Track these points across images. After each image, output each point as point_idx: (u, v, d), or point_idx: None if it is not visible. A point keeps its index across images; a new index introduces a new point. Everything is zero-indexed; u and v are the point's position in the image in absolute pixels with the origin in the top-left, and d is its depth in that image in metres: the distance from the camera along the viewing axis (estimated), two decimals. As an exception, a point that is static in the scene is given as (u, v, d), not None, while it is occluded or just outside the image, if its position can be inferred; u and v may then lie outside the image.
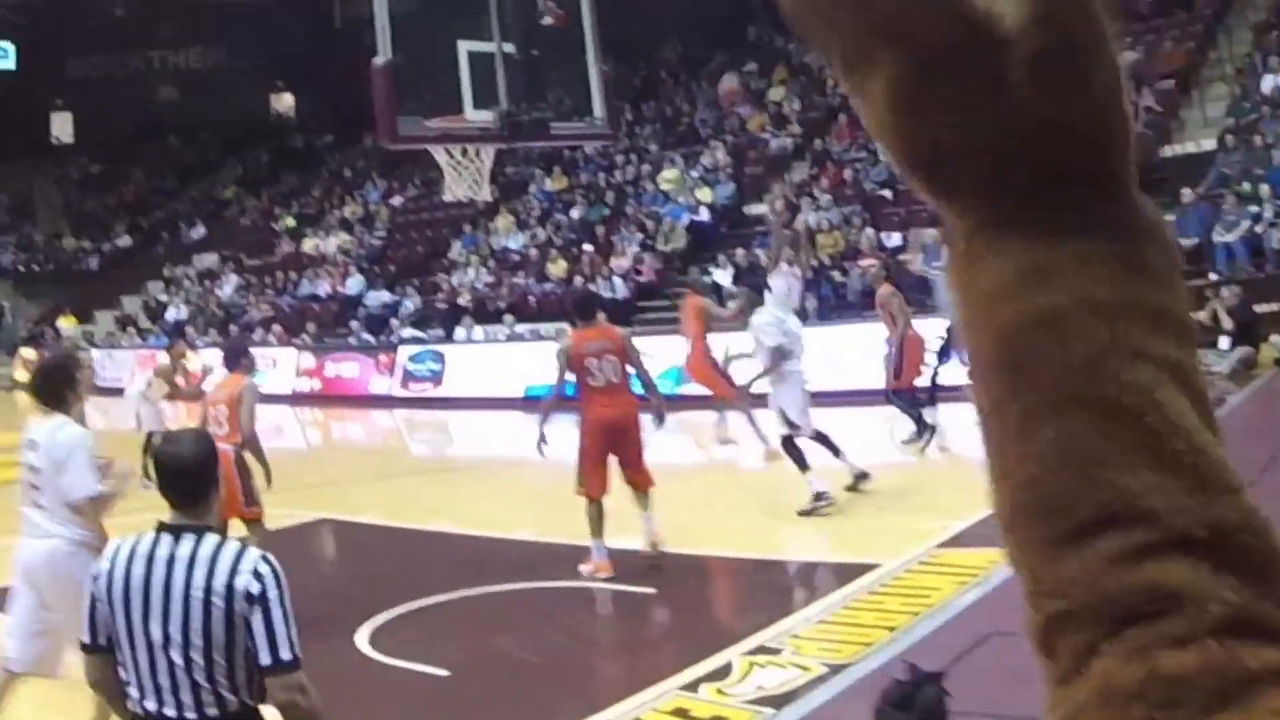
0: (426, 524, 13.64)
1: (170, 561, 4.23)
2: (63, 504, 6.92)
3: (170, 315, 39.38)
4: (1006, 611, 8.66)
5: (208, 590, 4.16)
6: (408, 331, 30.95)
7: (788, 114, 33.76)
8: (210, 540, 4.29)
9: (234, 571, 4.18)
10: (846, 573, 10.09)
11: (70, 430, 7.06)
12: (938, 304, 19.91)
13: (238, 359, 11.12)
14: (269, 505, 10.49)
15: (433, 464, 21.45)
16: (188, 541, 4.26)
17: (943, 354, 18.82)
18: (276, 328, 33.63)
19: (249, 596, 4.15)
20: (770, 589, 10.70)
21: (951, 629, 8.11)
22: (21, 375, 40.32)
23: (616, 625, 10.22)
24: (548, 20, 11.84)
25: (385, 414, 27.75)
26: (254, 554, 4.29)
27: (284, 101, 55.31)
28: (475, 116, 11.53)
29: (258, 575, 4.18)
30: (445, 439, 25.04)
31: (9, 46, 53.42)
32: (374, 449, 24.08)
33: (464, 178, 11.71)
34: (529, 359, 26.59)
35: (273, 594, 4.18)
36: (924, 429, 16.01)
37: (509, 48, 11.57)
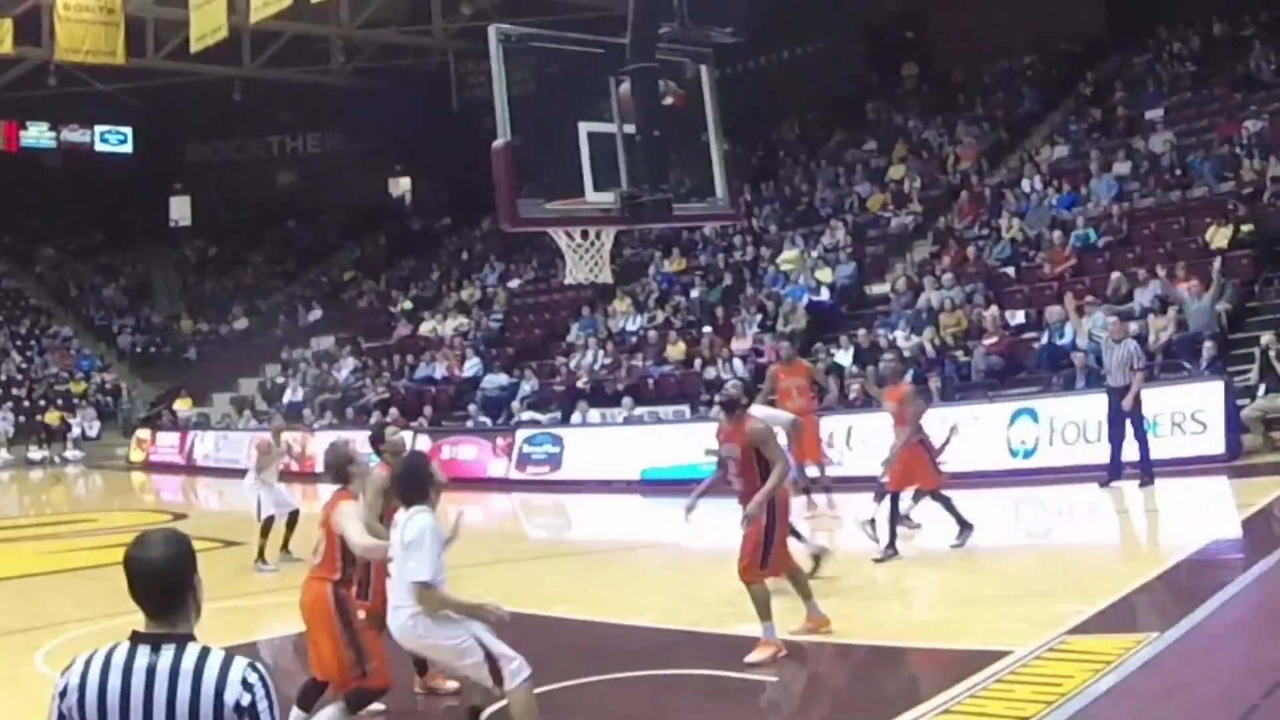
0: (544, 610, 13.58)
1: (150, 673, 3.98)
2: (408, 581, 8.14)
3: (287, 397, 39.87)
4: (1140, 700, 8.52)
5: (194, 704, 3.95)
6: (526, 414, 31.06)
7: (908, 192, 33.72)
8: (193, 650, 4.04)
9: (222, 683, 3.97)
10: (974, 660, 9.89)
11: (419, 519, 8.19)
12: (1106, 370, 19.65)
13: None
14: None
15: (550, 548, 21.46)
16: (168, 652, 4.01)
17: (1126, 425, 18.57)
18: (394, 410, 33.97)
19: (238, 708, 3.96)
20: (895, 677, 10.58)
21: (1083, 719, 7.98)
22: (138, 455, 41.09)
23: (738, 715, 10.10)
24: (668, 100, 11.89)
25: (502, 497, 27.79)
26: (241, 663, 4.05)
27: (402, 185, 56.25)
28: (596, 198, 11.56)
29: (247, 685, 3.99)
30: (563, 523, 25.04)
31: (128, 131, 54.75)
32: (490, 533, 24.10)
33: (584, 261, 11.76)
34: (647, 442, 26.65)
35: (262, 705, 4.00)
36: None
37: (630, 128, 11.62)
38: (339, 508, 8.99)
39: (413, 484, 8.46)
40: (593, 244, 11.75)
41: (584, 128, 11.66)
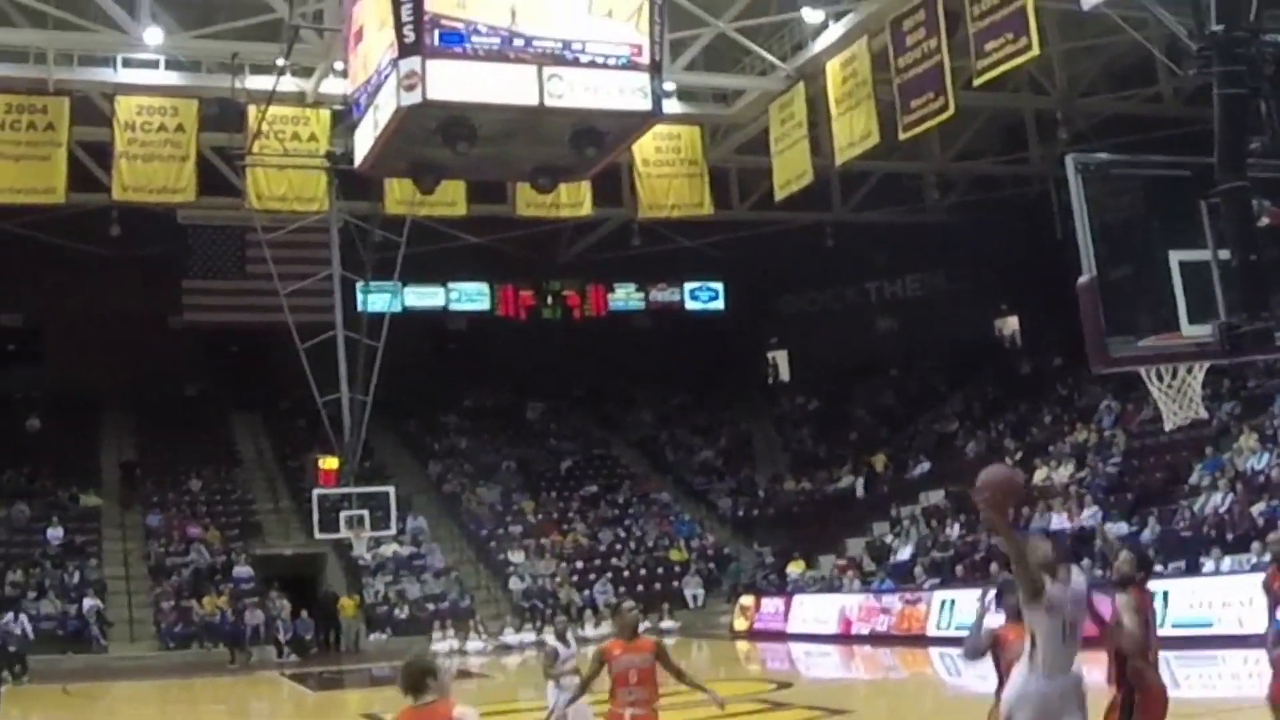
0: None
1: None
2: None
3: (897, 557, 40.53)
4: None
5: None
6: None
7: None
8: None
9: None
10: None
11: None
12: None
13: None
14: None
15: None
16: None
17: None
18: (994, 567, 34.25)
19: None
20: None
21: None
22: (741, 623, 42.31)
23: None
24: (1264, 221, 11.87)
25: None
26: None
27: (1009, 324, 56.03)
28: (1191, 332, 11.61)
29: None
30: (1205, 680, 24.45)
31: (718, 287, 57.04)
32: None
33: (1177, 401, 11.86)
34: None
35: None
36: None
37: (1224, 254, 11.65)
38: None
39: None
40: (1183, 381, 11.86)
41: (1174, 256, 11.77)
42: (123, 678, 36.29)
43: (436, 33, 14.79)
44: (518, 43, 15.01)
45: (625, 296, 58.08)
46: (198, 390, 54.21)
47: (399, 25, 14.78)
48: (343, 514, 38.74)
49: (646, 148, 38.43)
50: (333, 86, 34.52)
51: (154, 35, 33.02)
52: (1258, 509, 30.38)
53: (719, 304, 58.86)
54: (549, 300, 57.46)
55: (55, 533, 44.10)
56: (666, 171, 40.50)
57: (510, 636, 42.76)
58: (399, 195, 37.06)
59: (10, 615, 38.49)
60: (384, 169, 20.19)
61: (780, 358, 60.92)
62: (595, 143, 16.12)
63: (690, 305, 58.67)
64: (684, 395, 58.91)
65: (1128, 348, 11.60)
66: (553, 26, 15.20)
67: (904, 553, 40.61)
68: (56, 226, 42.35)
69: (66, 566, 42.56)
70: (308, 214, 38.12)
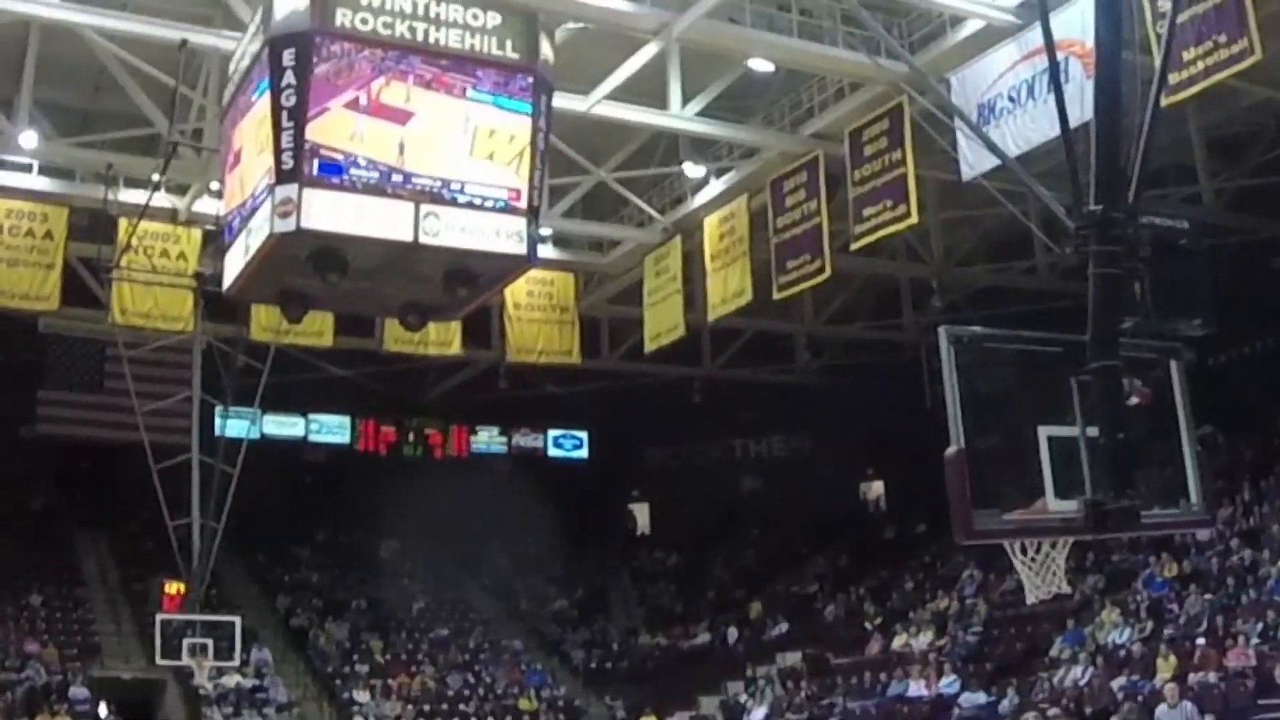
0: None
1: None
2: None
3: (751, 717, 40.31)
4: None
5: None
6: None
7: None
8: None
9: None
10: None
11: None
12: None
13: None
14: None
15: None
16: None
17: None
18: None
19: None
20: None
21: None
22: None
23: None
24: (1134, 400, 12.02)
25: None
26: None
27: (874, 488, 56.26)
28: (1057, 507, 11.69)
29: None
30: None
31: (583, 436, 56.92)
32: None
33: (1038, 574, 11.93)
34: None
35: None
36: None
37: (1093, 431, 11.76)
38: None
39: None
40: (1047, 555, 11.93)
41: (1044, 431, 11.88)
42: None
43: (316, 162, 14.68)
44: (396, 178, 14.93)
45: (488, 439, 57.82)
46: (44, 503, 53.16)
47: (278, 151, 14.65)
48: (186, 641, 37.94)
49: (518, 291, 38.35)
50: (206, 206, 34.27)
51: (30, 139, 32.63)
52: (1118, 683, 30.58)
53: (582, 453, 58.69)
54: (410, 438, 57.06)
55: (-115, 643, 42.87)
56: (537, 316, 40.40)
57: (351, 778, 41.99)
58: (265, 322, 36.72)
59: None
60: (252, 294, 19.98)
61: (641, 511, 60.72)
62: (467, 283, 16.01)
63: (553, 452, 58.46)
64: (542, 543, 58.39)
65: (993, 520, 11.66)
66: (434, 165, 15.14)
67: (758, 713, 40.40)
68: (-93, 326, 41.51)
69: (-105, 678, 41.31)
70: (171, 333, 37.60)
